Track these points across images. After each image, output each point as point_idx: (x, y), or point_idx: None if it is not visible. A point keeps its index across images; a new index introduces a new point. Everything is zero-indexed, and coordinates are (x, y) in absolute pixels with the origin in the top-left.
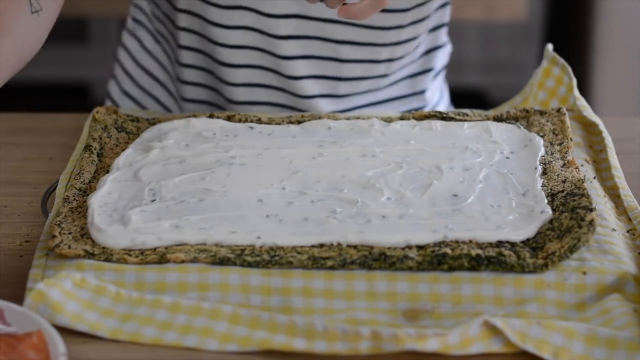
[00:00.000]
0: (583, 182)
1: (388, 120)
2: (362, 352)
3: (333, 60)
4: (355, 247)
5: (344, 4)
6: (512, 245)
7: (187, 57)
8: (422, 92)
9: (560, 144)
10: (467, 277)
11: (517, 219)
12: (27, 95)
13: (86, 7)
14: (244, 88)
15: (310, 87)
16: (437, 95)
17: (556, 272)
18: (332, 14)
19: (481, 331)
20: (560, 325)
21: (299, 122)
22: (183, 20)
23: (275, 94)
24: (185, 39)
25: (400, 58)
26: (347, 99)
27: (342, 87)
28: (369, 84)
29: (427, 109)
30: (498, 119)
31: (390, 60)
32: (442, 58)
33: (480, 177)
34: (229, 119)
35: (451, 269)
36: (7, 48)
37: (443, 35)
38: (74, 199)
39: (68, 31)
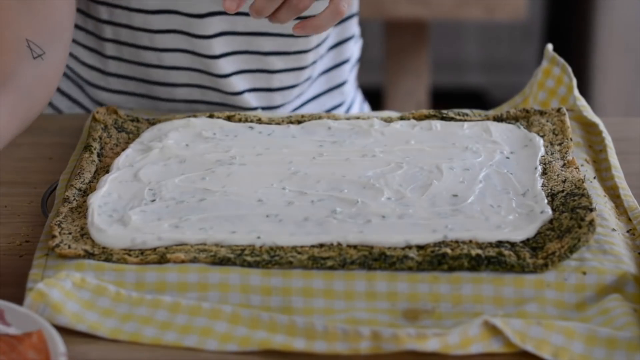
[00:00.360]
0: (583, 182)
1: (388, 120)
2: (362, 352)
3: (264, 72)
4: (355, 247)
5: (298, 18)
6: (512, 245)
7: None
8: (340, 85)
9: (560, 144)
10: (467, 277)
11: (517, 219)
12: None
13: None
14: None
15: (250, 100)
16: (353, 92)
17: (556, 272)
18: (259, 27)
19: (481, 331)
20: (560, 325)
21: (299, 122)
22: (108, 32)
23: (215, 108)
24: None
25: (321, 57)
26: (282, 108)
27: (277, 98)
28: (298, 90)
29: (345, 105)
30: (498, 119)
31: (314, 62)
32: (354, 49)
33: (480, 177)
34: (229, 119)
35: (451, 269)
36: (8, 105)
37: (353, 26)
38: (74, 199)
39: None
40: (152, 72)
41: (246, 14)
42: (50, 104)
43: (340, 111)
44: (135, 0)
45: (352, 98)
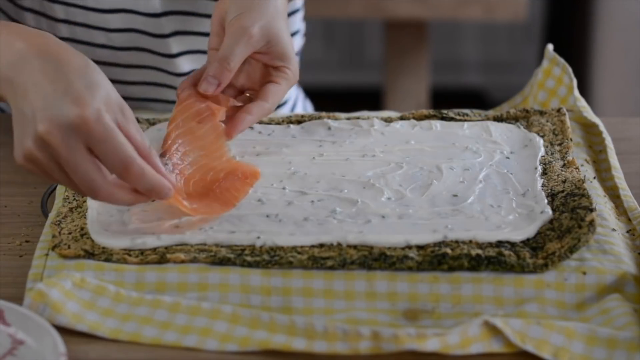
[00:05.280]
0: (583, 183)
1: (388, 120)
2: (362, 352)
3: None
4: (355, 247)
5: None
6: (512, 245)
7: None
8: None
9: (560, 144)
10: (467, 277)
11: (517, 219)
12: None
13: None
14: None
15: None
16: (295, 90)
17: (556, 272)
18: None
19: (481, 331)
20: (560, 325)
21: (299, 122)
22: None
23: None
24: None
25: None
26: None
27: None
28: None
29: (290, 101)
30: (498, 119)
31: None
32: (296, 44)
33: (480, 177)
34: None
35: (451, 269)
36: None
37: (297, 22)
38: (74, 199)
39: None
40: (108, 70)
41: (201, 15)
42: None
43: (285, 109)
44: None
45: (296, 95)
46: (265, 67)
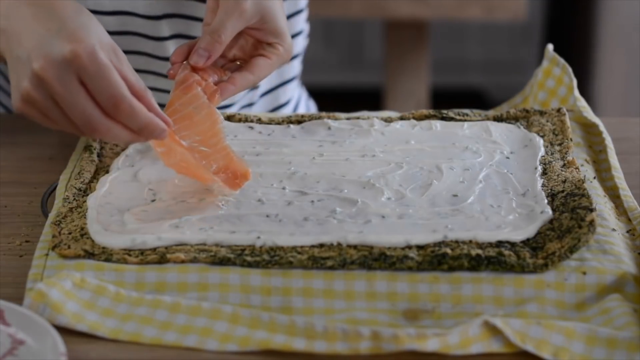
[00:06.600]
0: (583, 183)
1: (388, 120)
2: (362, 352)
3: None
4: (355, 247)
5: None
6: (512, 245)
7: None
8: (290, 81)
9: (560, 144)
10: (467, 277)
11: (517, 219)
12: None
13: None
14: None
15: None
16: (299, 89)
17: (556, 272)
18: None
19: (481, 331)
20: (560, 325)
21: (299, 122)
22: None
23: None
24: None
25: None
26: (235, 105)
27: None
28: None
29: (293, 101)
30: (498, 119)
31: None
32: (302, 45)
33: (480, 177)
34: (229, 119)
35: (451, 269)
36: None
37: (300, 22)
38: (74, 199)
39: None
40: None
41: (200, 19)
42: None
43: (288, 109)
44: (91, 0)
45: (299, 95)
46: (258, 42)
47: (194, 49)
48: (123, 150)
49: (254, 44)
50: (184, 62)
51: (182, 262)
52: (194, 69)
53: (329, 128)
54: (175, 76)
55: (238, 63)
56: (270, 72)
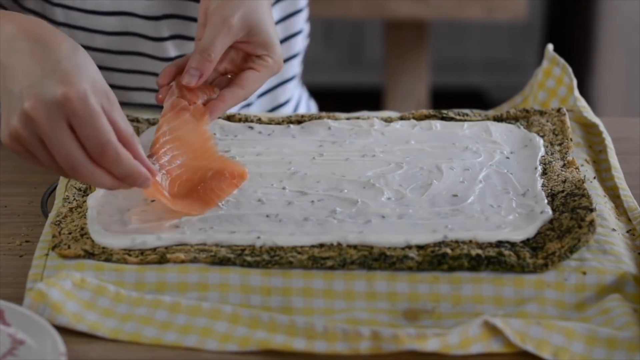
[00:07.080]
0: (583, 183)
1: (388, 120)
2: (362, 352)
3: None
4: (355, 247)
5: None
6: (512, 245)
7: None
8: (290, 80)
9: (560, 144)
10: (467, 277)
11: (517, 219)
12: None
13: None
14: None
15: None
16: (299, 89)
17: (556, 272)
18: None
19: (481, 331)
20: (560, 325)
21: (299, 122)
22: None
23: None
24: None
25: None
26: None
27: None
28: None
29: (293, 101)
30: (498, 119)
31: None
32: (302, 45)
33: (480, 177)
34: (229, 119)
35: (451, 269)
36: None
37: (300, 22)
38: (74, 199)
39: None
40: (107, 75)
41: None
42: None
43: (288, 109)
44: (91, 0)
45: (299, 95)
46: (247, 55)
47: (185, 68)
48: None
49: (244, 57)
50: (172, 85)
51: (182, 262)
52: (185, 89)
53: (329, 128)
54: (163, 100)
55: (229, 76)
56: (260, 85)
